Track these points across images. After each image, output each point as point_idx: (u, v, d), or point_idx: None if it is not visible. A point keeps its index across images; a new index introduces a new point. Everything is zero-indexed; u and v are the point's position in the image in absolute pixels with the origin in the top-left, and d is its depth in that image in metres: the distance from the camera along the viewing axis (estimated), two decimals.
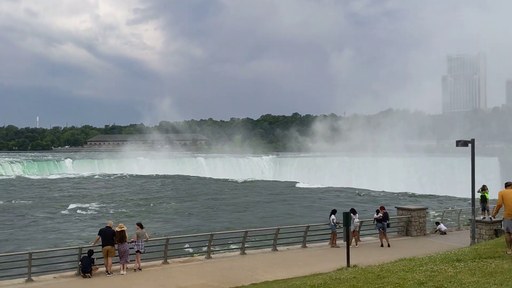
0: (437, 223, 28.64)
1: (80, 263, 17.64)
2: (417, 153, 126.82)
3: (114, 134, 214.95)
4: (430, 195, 68.89)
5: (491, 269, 11.62)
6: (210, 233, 21.93)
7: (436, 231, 27.92)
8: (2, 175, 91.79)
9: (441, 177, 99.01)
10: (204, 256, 21.20)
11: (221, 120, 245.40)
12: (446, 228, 28.23)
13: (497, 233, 21.36)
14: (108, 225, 18.57)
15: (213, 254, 21.65)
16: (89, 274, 17.58)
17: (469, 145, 20.80)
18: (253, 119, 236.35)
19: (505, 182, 14.75)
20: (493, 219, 23.13)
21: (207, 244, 21.30)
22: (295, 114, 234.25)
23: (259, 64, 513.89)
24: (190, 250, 22.65)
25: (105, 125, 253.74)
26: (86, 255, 17.81)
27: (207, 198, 58.61)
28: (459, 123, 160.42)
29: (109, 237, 17.98)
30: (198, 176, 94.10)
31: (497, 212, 15.19)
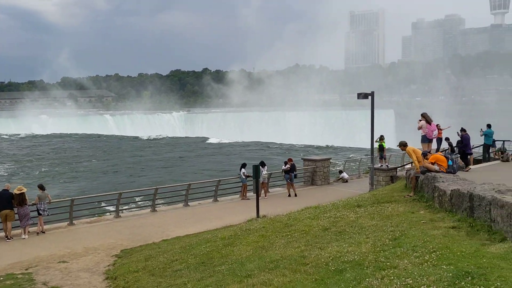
0: (340, 172, 30.25)
1: None
2: (322, 107, 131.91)
3: (11, 92, 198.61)
4: (334, 146, 72.40)
5: (388, 213, 12.49)
6: (118, 191, 21.34)
7: (339, 179, 29.50)
8: None
9: (344, 129, 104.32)
10: (113, 216, 20.67)
11: (128, 76, 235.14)
12: (348, 176, 29.92)
13: (392, 179, 22.98)
14: (4, 187, 17.32)
15: (122, 213, 21.18)
16: None
17: (369, 97, 21.85)
18: (162, 75, 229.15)
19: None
20: (389, 167, 24.90)
21: (115, 204, 20.74)
22: (205, 69, 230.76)
23: (167, 17, 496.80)
24: (98, 210, 21.92)
25: (1, 82, 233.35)
26: None
27: (115, 156, 56.86)
28: (360, 77, 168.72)
29: (7, 200, 16.78)
30: (106, 135, 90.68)
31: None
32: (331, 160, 30.52)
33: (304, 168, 28.87)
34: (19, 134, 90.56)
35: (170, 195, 25.60)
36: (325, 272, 8.30)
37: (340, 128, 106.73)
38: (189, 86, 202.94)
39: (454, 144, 23.30)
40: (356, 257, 8.73)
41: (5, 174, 43.53)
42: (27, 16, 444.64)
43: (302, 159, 30.80)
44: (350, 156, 48.27)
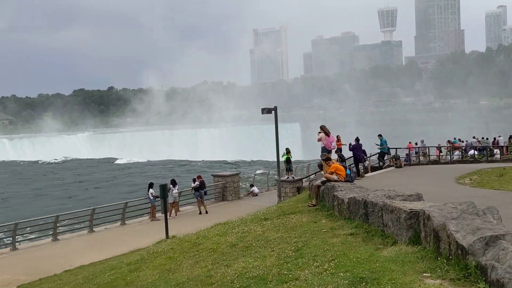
0: (251, 186, 30.63)
1: None
2: (231, 123, 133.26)
3: None
4: (245, 161, 73.29)
5: (292, 224, 12.78)
6: (14, 222, 19.83)
7: (249, 193, 29.83)
8: None
9: (253, 144, 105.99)
10: (8, 248, 19.13)
11: (26, 97, 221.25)
12: (258, 190, 30.35)
13: (299, 190, 23.67)
14: None
15: (19, 245, 19.67)
16: None
17: (273, 112, 22.41)
18: (64, 95, 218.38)
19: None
20: (295, 178, 25.63)
21: (11, 235, 19.22)
22: (111, 87, 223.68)
23: (67, 34, 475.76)
24: None
25: None
26: None
27: (11, 184, 52.91)
28: (266, 93, 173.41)
29: None
30: (3, 160, 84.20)
31: None
32: (240, 175, 30.81)
33: (215, 185, 28.84)
34: None
35: (73, 222, 24.27)
36: None
37: (250, 143, 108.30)
38: (94, 106, 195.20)
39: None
40: (260, 271, 8.79)
41: None
42: None
43: (212, 175, 30.76)
44: (258, 171, 48.99)
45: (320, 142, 17.65)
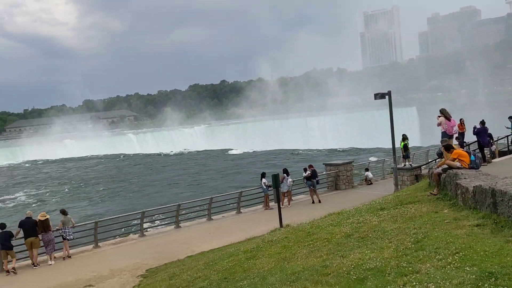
0: (366, 169, 29.81)
1: None
2: (343, 110, 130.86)
3: (35, 118, 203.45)
4: (358, 148, 71.64)
5: (411, 214, 12.15)
6: (141, 211, 21.42)
7: (365, 179, 29.14)
8: None
9: (367, 130, 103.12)
10: (137, 235, 20.75)
11: (148, 94, 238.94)
12: (372, 176, 29.47)
13: (417, 178, 22.50)
14: (27, 215, 17.54)
15: (146, 231, 21.24)
16: (13, 268, 16.63)
17: (386, 97, 21.49)
18: (181, 90, 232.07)
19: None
20: (413, 166, 24.39)
21: (139, 223, 20.82)
22: (223, 81, 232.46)
23: (181, 33, 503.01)
24: (123, 230, 22.03)
25: (24, 110, 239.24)
26: (0, 230, 16.74)
27: (138, 175, 57.41)
28: (379, 77, 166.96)
29: (31, 227, 16.99)
30: (129, 154, 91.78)
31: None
32: (354, 163, 30.10)
33: (327, 173, 28.54)
34: (44, 160, 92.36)
35: (193, 210, 25.60)
36: (346, 282, 8.06)
37: (363, 130, 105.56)
38: (208, 99, 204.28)
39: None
40: (378, 263, 8.47)
41: (29, 200, 44.34)
42: (43, 43, 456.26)
43: (324, 164, 30.47)
44: (372, 158, 47.47)
45: (440, 127, 16.53)
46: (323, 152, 68.76)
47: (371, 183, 28.96)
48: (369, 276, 7.97)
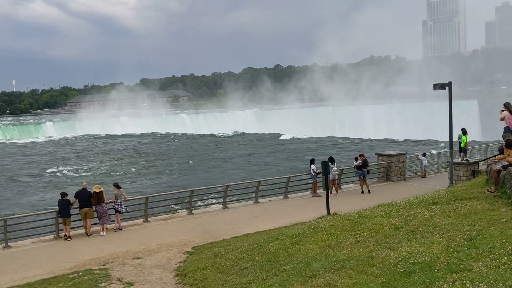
0: (424, 154, 28.95)
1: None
2: (399, 99, 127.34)
3: (94, 94, 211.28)
4: (412, 140, 69.67)
5: (466, 210, 11.69)
6: (191, 189, 21.82)
7: (416, 157, 28.48)
8: None
9: (423, 122, 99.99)
10: (185, 213, 21.20)
11: (202, 75, 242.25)
12: (426, 163, 28.61)
13: (474, 174, 21.61)
14: (83, 186, 18.31)
15: (194, 210, 21.64)
16: (68, 236, 17.49)
17: (446, 88, 20.64)
18: (235, 73, 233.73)
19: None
20: (471, 161, 23.40)
21: (188, 201, 21.24)
22: (277, 65, 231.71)
23: (238, 15, 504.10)
24: (172, 207, 22.56)
25: (84, 86, 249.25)
26: (60, 199, 17.66)
27: (190, 154, 58.51)
28: (440, 67, 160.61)
29: (86, 199, 17.75)
30: (182, 133, 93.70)
31: None
32: (407, 155, 29.27)
33: (378, 164, 27.94)
34: (100, 135, 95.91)
35: (241, 192, 25.83)
36: (392, 274, 7.88)
37: (419, 121, 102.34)
38: (261, 83, 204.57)
39: None
40: (427, 258, 8.22)
41: (85, 172, 46.22)
42: (105, 21, 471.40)
43: (375, 154, 29.83)
44: (430, 151, 45.95)
45: (503, 122, 15.71)
46: (375, 142, 67.35)
47: (425, 176, 28.11)
48: (417, 271, 7.75)
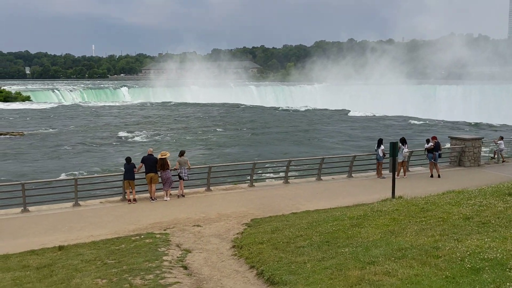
0: (501, 138, 27.22)
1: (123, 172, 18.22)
2: (478, 81, 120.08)
3: (167, 62, 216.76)
4: (489, 124, 65.69)
5: None
6: (253, 161, 21.82)
7: (494, 154, 26.82)
8: (62, 102, 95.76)
9: (503, 106, 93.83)
10: (247, 185, 21.26)
11: (273, 47, 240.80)
12: (504, 147, 26.89)
13: None
14: (149, 152, 18.80)
15: (256, 182, 21.65)
16: (134, 199, 18.12)
17: None
18: (306, 46, 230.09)
19: None
20: None
21: (250, 173, 21.27)
22: (351, 39, 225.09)
23: None
24: (234, 178, 22.72)
25: (159, 53, 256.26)
26: (126, 163, 18.26)
27: (256, 126, 58.71)
28: None
29: (152, 164, 18.23)
30: (249, 105, 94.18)
31: None
32: (483, 140, 27.51)
33: (451, 148, 26.49)
34: (172, 102, 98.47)
35: (303, 168, 25.51)
36: (458, 269, 7.36)
37: (499, 104, 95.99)
38: (333, 57, 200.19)
39: None
40: (498, 255, 7.60)
41: (154, 139, 47.63)
42: None
43: (449, 137, 28.29)
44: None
45: None
46: (448, 124, 64.12)
47: (504, 161, 26.37)
48: (486, 268, 7.18)
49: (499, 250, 7.84)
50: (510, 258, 7.42)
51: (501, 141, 26.95)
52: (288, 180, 21.90)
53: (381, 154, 22.77)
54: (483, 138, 27.86)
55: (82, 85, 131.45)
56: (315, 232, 11.90)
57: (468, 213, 11.06)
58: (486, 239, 8.64)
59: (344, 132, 55.01)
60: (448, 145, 27.22)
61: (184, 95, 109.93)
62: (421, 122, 65.88)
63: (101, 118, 67.72)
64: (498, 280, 6.64)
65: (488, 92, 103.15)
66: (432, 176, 23.02)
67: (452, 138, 27.44)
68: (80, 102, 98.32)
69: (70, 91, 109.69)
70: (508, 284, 6.40)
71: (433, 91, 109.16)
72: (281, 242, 11.51)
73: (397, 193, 17.26)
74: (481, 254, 7.81)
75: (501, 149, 26.94)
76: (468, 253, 7.98)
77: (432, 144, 23.17)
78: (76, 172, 29.45)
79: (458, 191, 14.55)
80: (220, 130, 55.16)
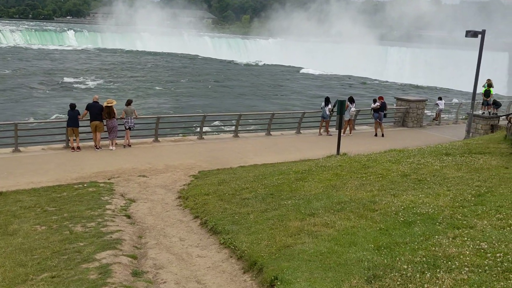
0: (439, 98, 28.41)
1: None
2: (428, 44, 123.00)
3: (117, 7, 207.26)
4: (435, 87, 67.99)
5: (478, 165, 11.38)
6: (203, 114, 21.65)
7: (436, 115, 28.03)
8: (2, 43, 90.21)
9: (448, 70, 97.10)
10: (196, 137, 21.14)
11: None
12: (443, 107, 28.14)
13: (493, 128, 21.03)
14: (94, 99, 18.20)
15: (205, 135, 21.57)
16: (78, 146, 17.65)
17: (479, 36, 19.59)
18: None
19: None
20: (491, 114, 22.72)
21: (199, 125, 21.12)
22: None
23: None
24: (183, 130, 22.53)
25: None
26: (70, 109, 17.70)
27: (208, 79, 57.92)
28: (476, 14, 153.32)
29: (97, 112, 17.70)
30: (203, 56, 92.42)
31: None
32: (426, 102, 28.52)
33: (396, 108, 27.33)
34: (121, 49, 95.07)
35: (253, 123, 25.62)
36: (392, 222, 7.74)
37: (445, 69, 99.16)
38: (290, 12, 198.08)
39: None
40: (430, 210, 8.04)
41: (100, 85, 46.17)
42: None
43: (395, 98, 29.12)
44: (452, 100, 44.77)
45: None
46: (396, 85, 65.85)
47: (438, 120, 27.59)
48: (418, 221, 7.59)
49: (431, 206, 8.27)
50: (441, 213, 7.85)
51: (440, 101, 28.06)
52: (238, 134, 21.96)
53: (327, 112, 23.16)
54: (426, 100, 28.87)
55: (25, 26, 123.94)
56: (261, 185, 12.09)
57: (406, 171, 11.52)
58: (420, 195, 9.07)
59: (295, 88, 55.34)
60: (394, 106, 28.04)
61: (135, 42, 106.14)
62: (369, 82, 67.21)
63: (44, 62, 64.54)
64: (427, 232, 7.03)
65: (435, 55, 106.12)
66: (376, 135, 23.73)
67: (397, 99, 28.26)
68: (22, 44, 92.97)
69: (12, 31, 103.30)
70: (436, 237, 6.80)
71: (385, 52, 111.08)
72: (226, 194, 11.64)
73: (342, 150, 17.69)
74: (415, 208, 8.21)
75: (440, 109, 28.10)
76: (402, 207, 8.37)
77: (379, 104, 23.76)
78: (17, 117, 28.22)
79: (399, 150, 15.08)
80: (171, 81, 54.07)
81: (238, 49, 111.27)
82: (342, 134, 18.85)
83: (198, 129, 21.26)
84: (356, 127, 25.24)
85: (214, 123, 24.03)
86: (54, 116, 28.76)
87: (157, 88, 47.62)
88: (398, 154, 14.14)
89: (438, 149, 14.24)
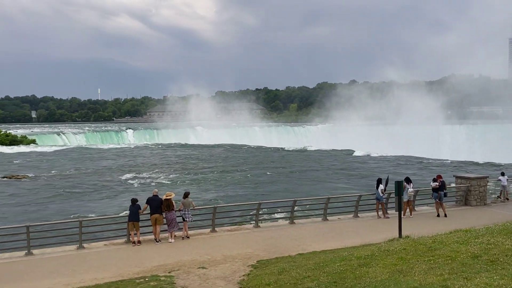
0: (502, 174, 27.20)
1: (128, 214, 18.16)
2: (482, 120, 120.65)
3: (172, 104, 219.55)
4: (493, 163, 65.50)
5: None
6: (258, 202, 21.76)
7: (500, 193, 26.69)
8: (66, 145, 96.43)
9: (506, 145, 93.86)
10: (252, 225, 21.12)
11: (276, 89, 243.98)
12: (506, 184, 26.82)
13: None
14: (154, 193, 18.81)
15: (261, 223, 21.52)
16: (138, 241, 17.99)
17: None
18: (308, 87, 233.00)
19: None
20: None
21: (255, 213, 21.17)
22: (353, 81, 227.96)
23: (313, 31, 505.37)
24: (239, 219, 22.60)
25: (164, 96, 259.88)
26: (131, 204, 18.21)
27: (260, 167, 58.70)
28: None
29: (157, 205, 18.23)
30: (254, 146, 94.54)
31: None
32: (488, 179, 27.43)
33: (457, 187, 26.42)
34: (176, 143, 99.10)
35: (309, 208, 25.38)
36: None
37: (503, 144, 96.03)
38: (335, 99, 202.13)
39: None
40: None
41: (158, 180, 47.67)
42: (184, 34, 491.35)
43: (454, 176, 28.25)
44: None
45: None
46: (453, 164, 64.03)
47: (507, 199, 26.21)
48: None
49: None
50: None
51: (503, 177, 26.92)
52: (294, 220, 21.77)
53: (380, 194, 22.73)
54: (488, 176, 27.80)
55: (87, 128, 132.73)
56: (323, 272, 11.75)
57: (476, 252, 10.95)
58: (495, 277, 8.54)
59: (349, 171, 54.92)
60: (453, 184, 27.15)
61: (189, 136, 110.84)
62: (425, 162, 65.83)
63: (105, 160, 67.97)
64: None
65: (491, 131, 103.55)
66: (438, 215, 22.86)
67: (457, 177, 27.40)
68: (84, 144, 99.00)
69: (75, 134, 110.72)
70: None
71: (436, 131, 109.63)
72: (288, 284, 11.36)
73: (404, 233, 17.11)
74: None
75: (503, 186, 26.88)
76: None
77: (438, 183, 23.13)
78: (80, 214, 29.34)
79: (466, 229, 14.43)
80: (224, 171, 55.18)
81: (287, 136, 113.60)
82: (402, 216, 18.33)
83: (254, 218, 21.28)
84: (416, 208, 24.45)
85: (270, 210, 23.98)
86: (115, 212, 29.71)
87: (209, 178, 48.59)
88: (465, 234, 13.51)
89: (507, 227, 13.54)
